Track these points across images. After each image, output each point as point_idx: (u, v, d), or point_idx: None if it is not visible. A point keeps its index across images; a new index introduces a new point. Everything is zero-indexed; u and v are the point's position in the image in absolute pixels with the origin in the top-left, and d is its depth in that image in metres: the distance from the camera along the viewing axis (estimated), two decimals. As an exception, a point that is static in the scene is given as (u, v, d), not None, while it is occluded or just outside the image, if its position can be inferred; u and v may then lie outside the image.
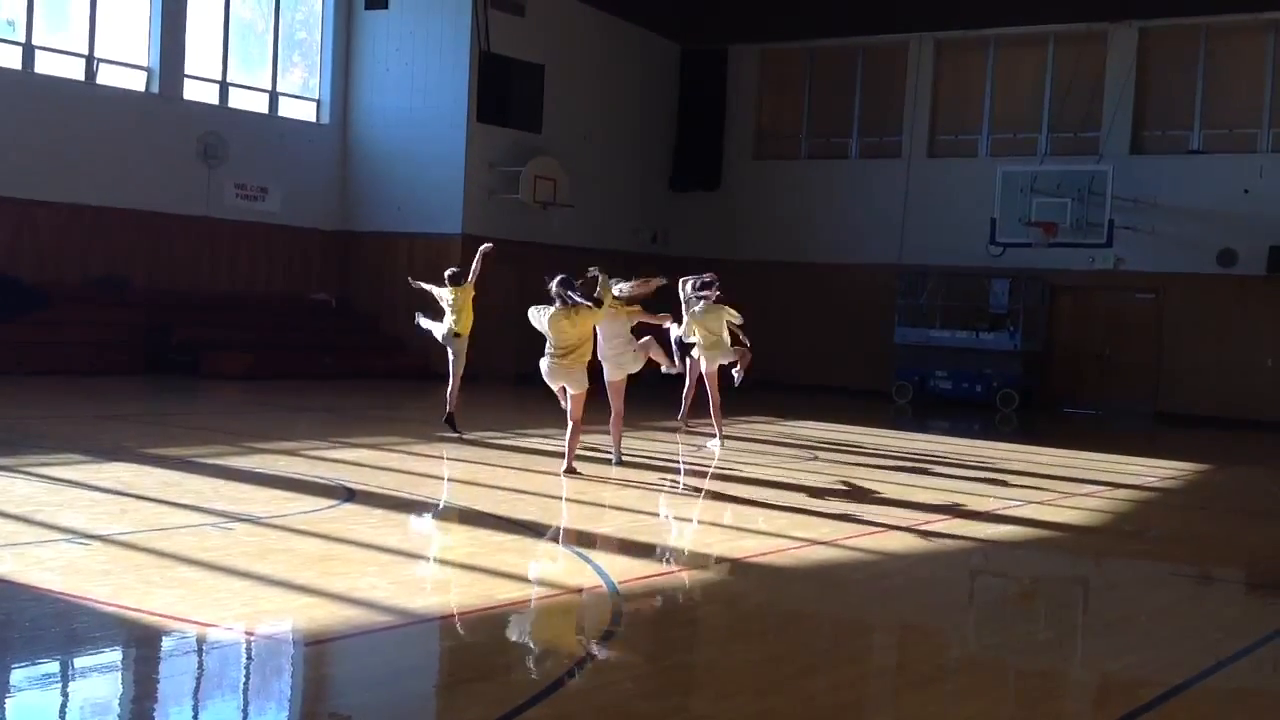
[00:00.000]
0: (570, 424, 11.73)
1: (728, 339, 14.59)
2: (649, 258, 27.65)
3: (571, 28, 25.62)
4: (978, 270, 24.72)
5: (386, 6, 24.55)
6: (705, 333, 14.48)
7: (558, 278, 11.63)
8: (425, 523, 9.87)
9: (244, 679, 5.81)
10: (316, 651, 6.13)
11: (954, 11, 25.40)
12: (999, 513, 11.24)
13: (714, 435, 14.57)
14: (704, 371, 14.72)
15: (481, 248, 14.73)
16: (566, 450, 11.75)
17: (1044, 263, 24.09)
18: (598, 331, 12.10)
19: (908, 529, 10.15)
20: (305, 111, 24.80)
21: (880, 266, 25.78)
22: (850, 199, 26.54)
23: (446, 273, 14.98)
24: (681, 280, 14.92)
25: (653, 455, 13.69)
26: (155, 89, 22.23)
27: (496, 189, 24.16)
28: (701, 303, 14.60)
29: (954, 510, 11.27)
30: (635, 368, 12.46)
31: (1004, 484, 13.05)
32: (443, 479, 11.66)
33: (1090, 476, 14.24)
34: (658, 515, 10.40)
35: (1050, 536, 10.48)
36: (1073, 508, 11.73)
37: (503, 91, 24.00)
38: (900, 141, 26.44)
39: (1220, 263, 23.32)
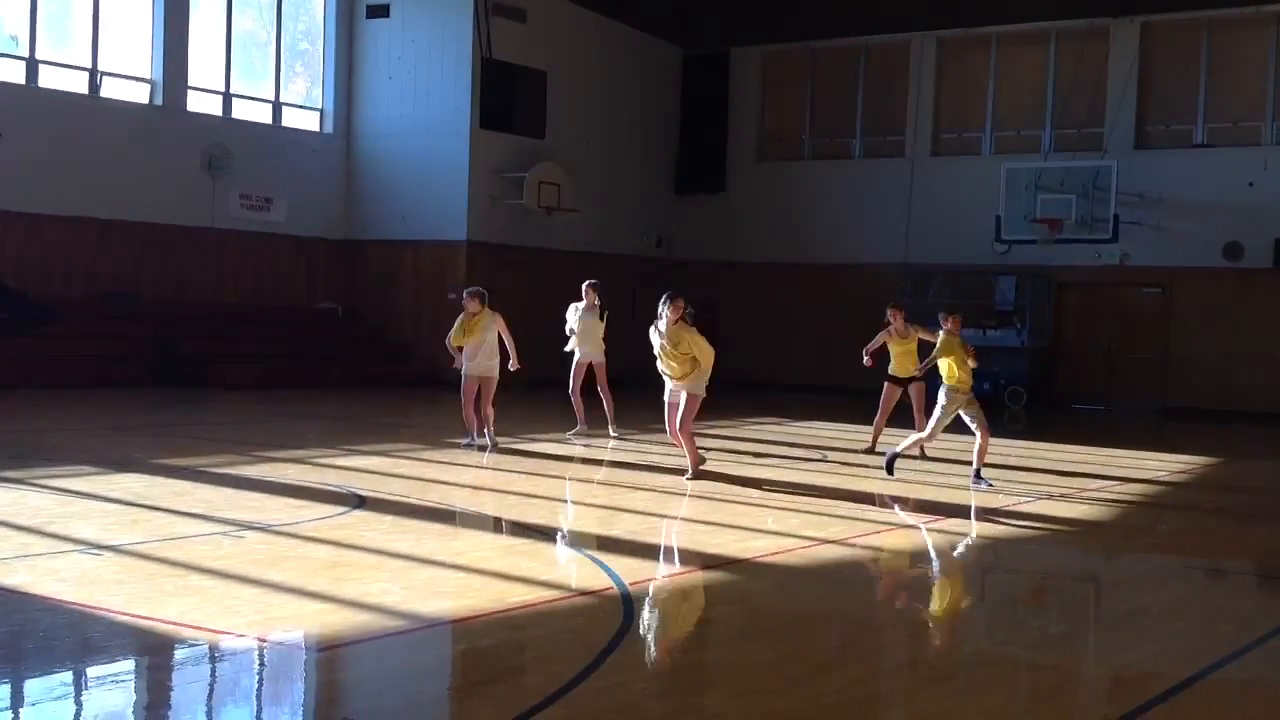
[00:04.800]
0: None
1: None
2: (654, 261, 27.71)
3: (573, 33, 25.65)
4: (983, 268, 24.71)
5: (388, 15, 24.61)
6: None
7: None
8: (436, 528, 9.87)
9: (257, 685, 5.83)
10: (329, 657, 6.15)
11: (955, 10, 25.37)
12: (1009, 509, 11.23)
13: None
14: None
15: None
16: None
17: (1050, 259, 24.07)
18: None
19: (918, 527, 10.14)
20: (309, 121, 24.85)
21: (885, 266, 25.76)
22: (854, 199, 26.54)
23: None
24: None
25: (664, 457, 13.70)
26: (159, 101, 22.29)
27: (501, 195, 24.20)
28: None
29: (964, 508, 11.27)
30: None
31: (1013, 481, 13.04)
32: (452, 484, 11.68)
33: (1100, 472, 14.21)
34: (667, 517, 10.41)
35: (1061, 532, 10.47)
36: (1083, 503, 11.72)
37: (505, 98, 24.03)
38: (904, 140, 26.44)
39: (1226, 256, 23.30)
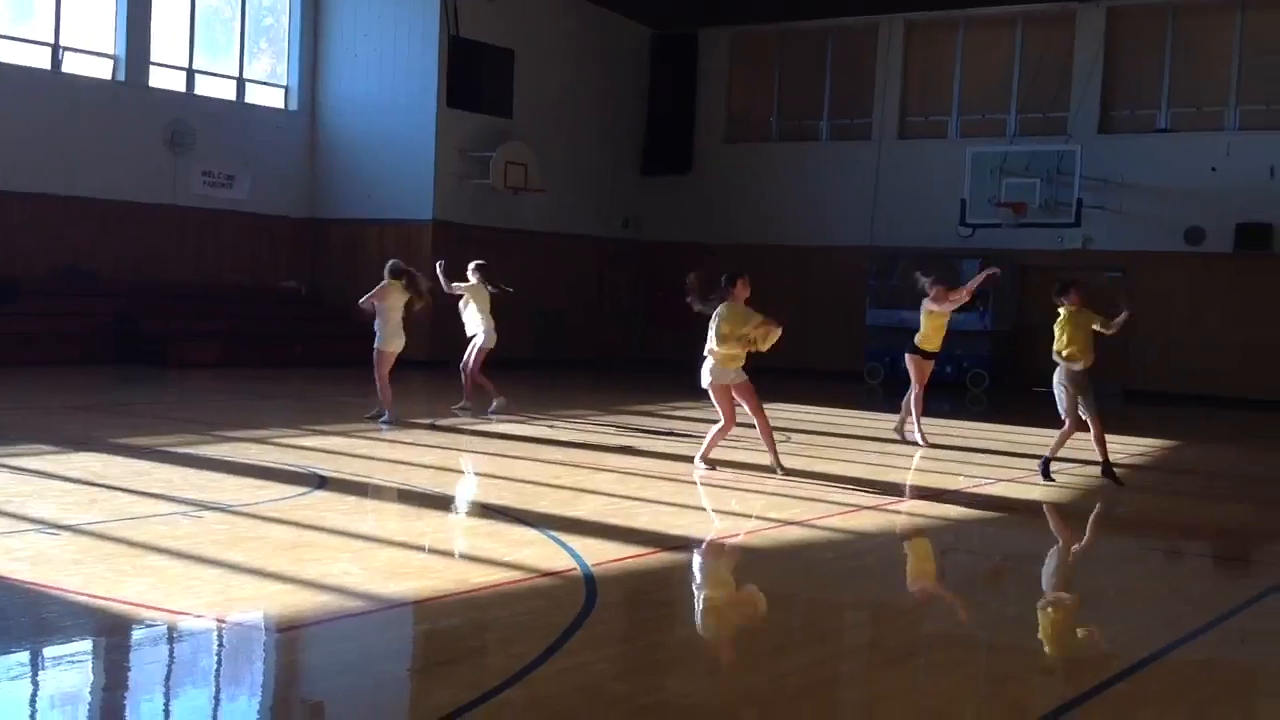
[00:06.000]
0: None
1: None
2: (621, 242, 27.67)
3: (541, 12, 25.53)
4: (948, 251, 24.78)
5: (354, -9, 24.42)
6: None
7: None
8: (398, 508, 9.85)
9: (216, 666, 5.79)
10: (289, 638, 6.12)
11: (923, -7, 25.43)
12: (969, 491, 11.30)
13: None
14: None
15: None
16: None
17: (1014, 243, 24.18)
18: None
19: (879, 509, 10.19)
20: (273, 98, 24.65)
21: (852, 248, 25.83)
22: (821, 181, 26.57)
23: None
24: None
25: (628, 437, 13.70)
26: (121, 77, 22.05)
27: (467, 174, 24.09)
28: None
29: (925, 490, 11.32)
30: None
31: (974, 463, 13.12)
32: (414, 465, 11.64)
33: (1059, 454, 14.28)
34: (631, 498, 10.40)
35: (1020, 514, 10.54)
36: (1042, 485, 11.78)
37: (472, 76, 23.90)
38: (871, 123, 26.48)
39: (1188, 241, 23.47)
